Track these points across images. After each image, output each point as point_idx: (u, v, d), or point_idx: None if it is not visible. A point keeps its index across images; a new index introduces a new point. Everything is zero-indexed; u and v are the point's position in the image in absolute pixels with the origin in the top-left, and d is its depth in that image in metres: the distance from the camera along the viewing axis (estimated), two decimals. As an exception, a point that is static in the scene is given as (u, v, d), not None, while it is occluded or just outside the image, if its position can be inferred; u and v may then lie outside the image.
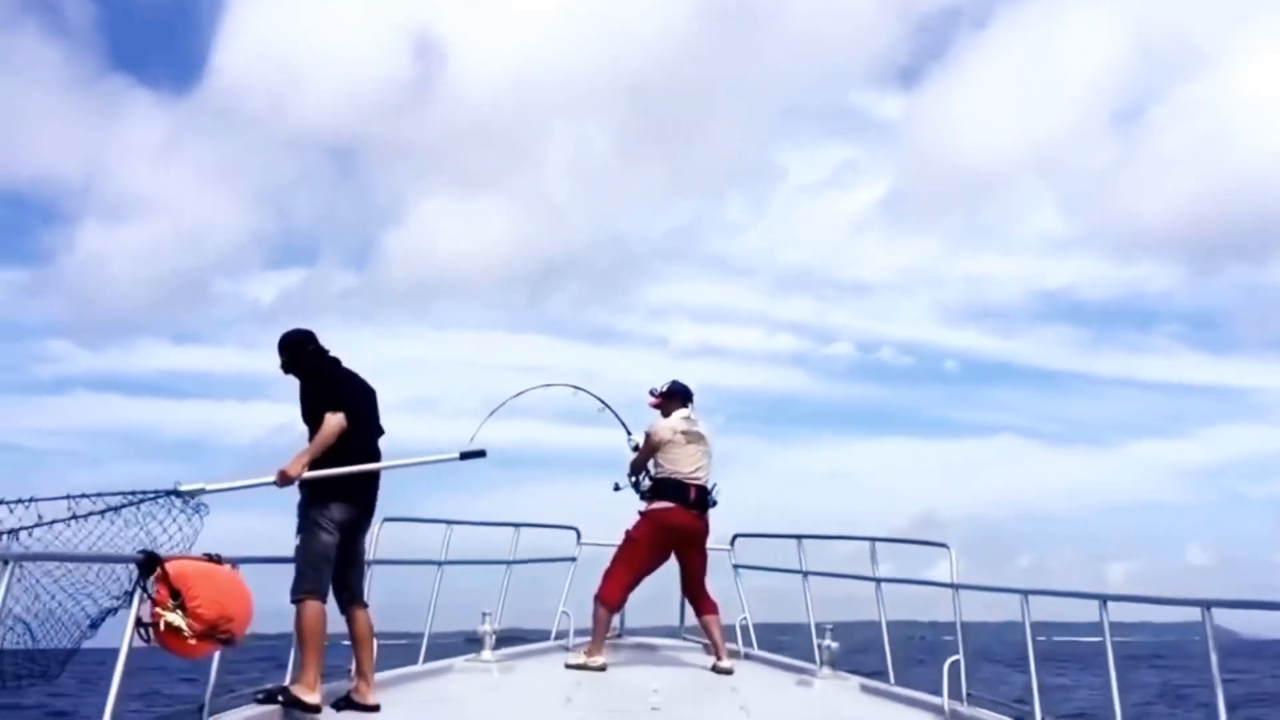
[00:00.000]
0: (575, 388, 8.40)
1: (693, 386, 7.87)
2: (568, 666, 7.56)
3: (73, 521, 4.75)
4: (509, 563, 8.31)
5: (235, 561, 5.16)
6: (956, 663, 6.52)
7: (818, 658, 7.67)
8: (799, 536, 8.56)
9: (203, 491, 5.31)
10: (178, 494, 5.22)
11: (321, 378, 5.76)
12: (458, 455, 6.05)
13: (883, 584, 7.69)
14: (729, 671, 7.62)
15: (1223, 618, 4.60)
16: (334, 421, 5.53)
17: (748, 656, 8.66)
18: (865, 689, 7.34)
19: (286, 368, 5.83)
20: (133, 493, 5.05)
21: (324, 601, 5.54)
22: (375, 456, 5.82)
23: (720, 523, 7.97)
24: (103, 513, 4.88)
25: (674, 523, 7.54)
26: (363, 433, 5.74)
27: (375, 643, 5.82)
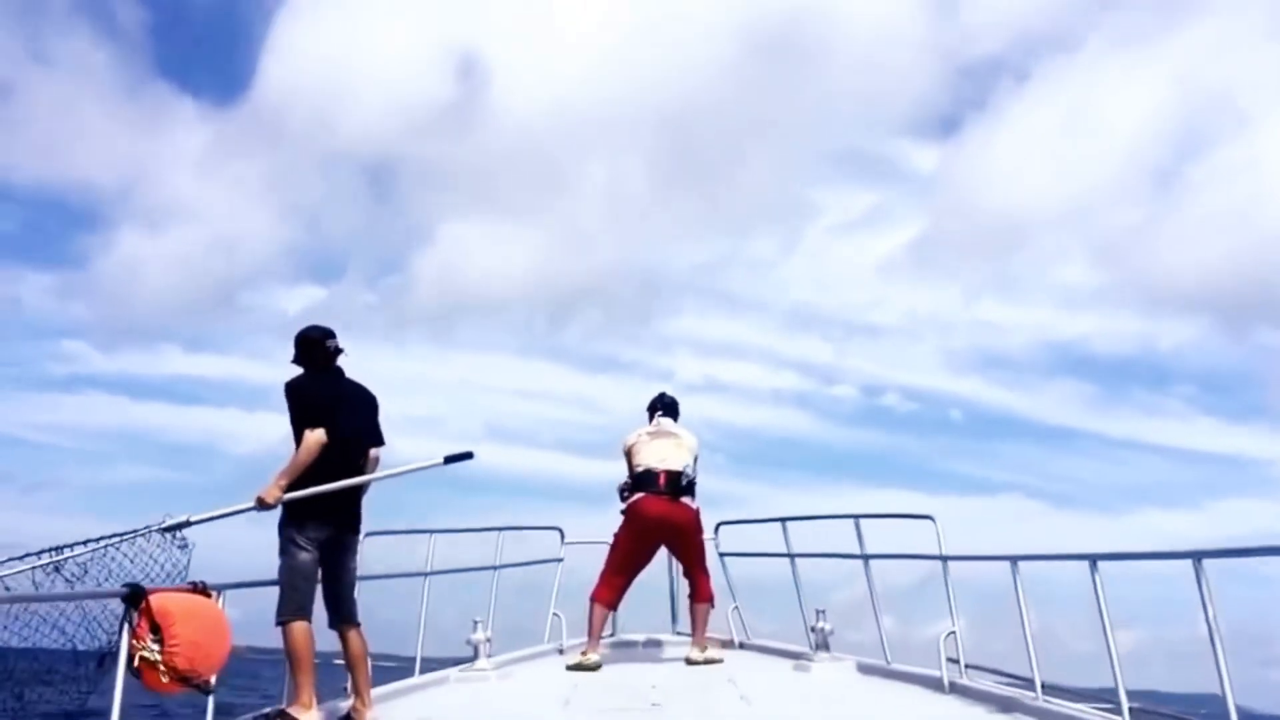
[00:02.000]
0: None
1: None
2: (569, 668, 7.53)
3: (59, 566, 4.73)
4: (495, 568, 8.24)
5: (220, 588, 5.11)
6: (953, 635, 6.54)
7: (811, 641, 7.67)
8: (783, 520, 8.53)
9: (187, 524, 5.25)
10: (163, 530, 5.18)
11: (301, 392, 5.59)
12: (442, 460, 5.89)
13: (871, 560, 7.66)
14: (694, 662, 7.65)
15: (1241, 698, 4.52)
16: (312, 439, 5.40)
17: (742, 645, 8.66)
18: (863, 669, 7.35)
19: (296, 363, 5.72)
20: (118, 535, 5.03)
21: (308, 620, 5.43)
22: (359, 471, 5.64)
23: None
24: (92, 551, 4.87)
25: (645, 510, 7.56)
26: (345, 448, 5.56)
27: (370, 662, 5.71)
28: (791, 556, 8.38)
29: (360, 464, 5.68)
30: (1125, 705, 5.07)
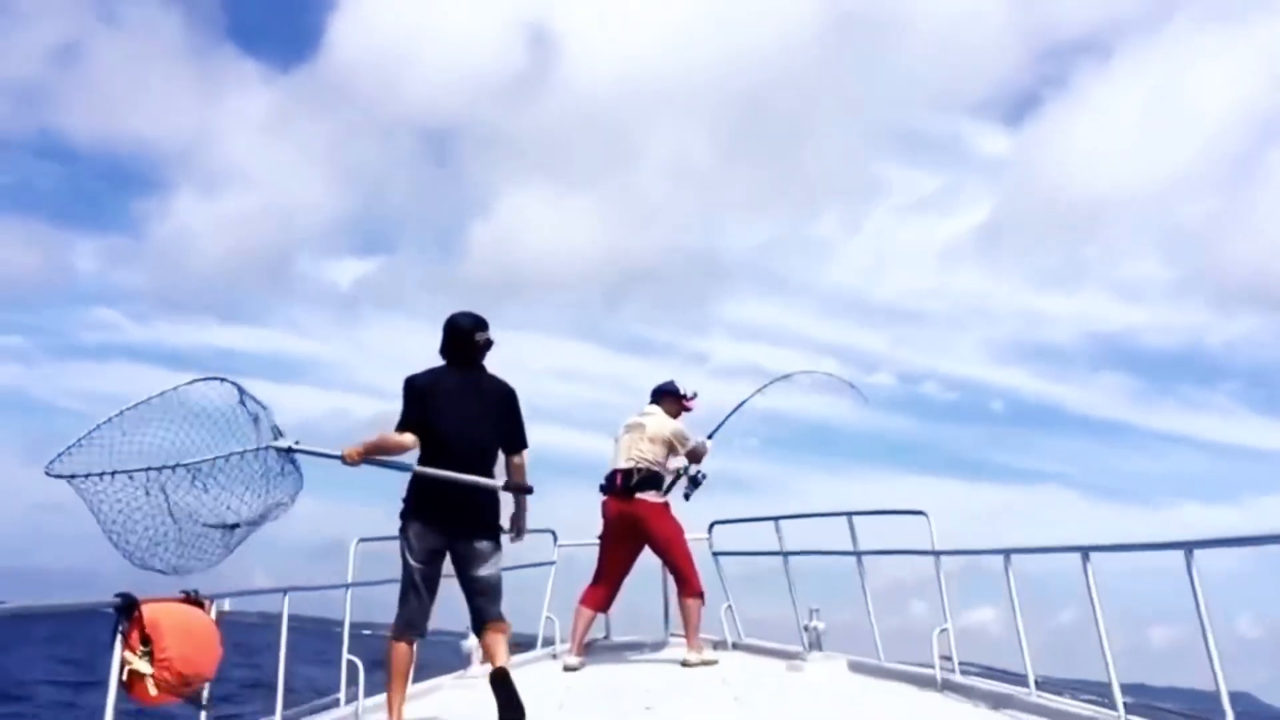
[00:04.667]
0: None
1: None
2: (566, 669, 7.56)
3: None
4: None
5: (214, 597, 5.08)
6: (945, 632, 6.57)
7: (804, 640, 7.68)
8: (776, 518, 8.54)
9: (293, 449, 5.24)
10: (278, 450, 5.20)
11: (406, 391, 5.33)
12: (501, 484, 5.45)
13: (864, 557, 7.68)
14: (690, 664, 7.59)
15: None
16: (393, 437, 5.23)
17: (734, 645, 8.65)
18: (855, 667, 7.36)
19: (440, 353, 5.49)
20: (228, 455, 5.10)
21: (410, 640, 5.32)
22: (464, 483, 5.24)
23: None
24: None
25: (604, 511, 7.70)
26: (450, 455, 5.21)
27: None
28: (785, 555, 8.40)
29: (483, 472, 5.30)
30: (1119, 700, 5.09)
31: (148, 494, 4.94)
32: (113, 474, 4.84)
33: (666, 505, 7.70)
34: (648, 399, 7.96)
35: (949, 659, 6.57)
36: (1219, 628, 4.43)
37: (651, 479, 7.60)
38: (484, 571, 5.27)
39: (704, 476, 7.88)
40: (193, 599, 4.91)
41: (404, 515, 5.32)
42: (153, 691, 4.48)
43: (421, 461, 5.24)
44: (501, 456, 5.41)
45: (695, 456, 7.81)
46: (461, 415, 5.27)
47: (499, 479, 5.36)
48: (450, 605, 5.54)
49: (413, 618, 5.32)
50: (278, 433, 5.24)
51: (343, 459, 5.23)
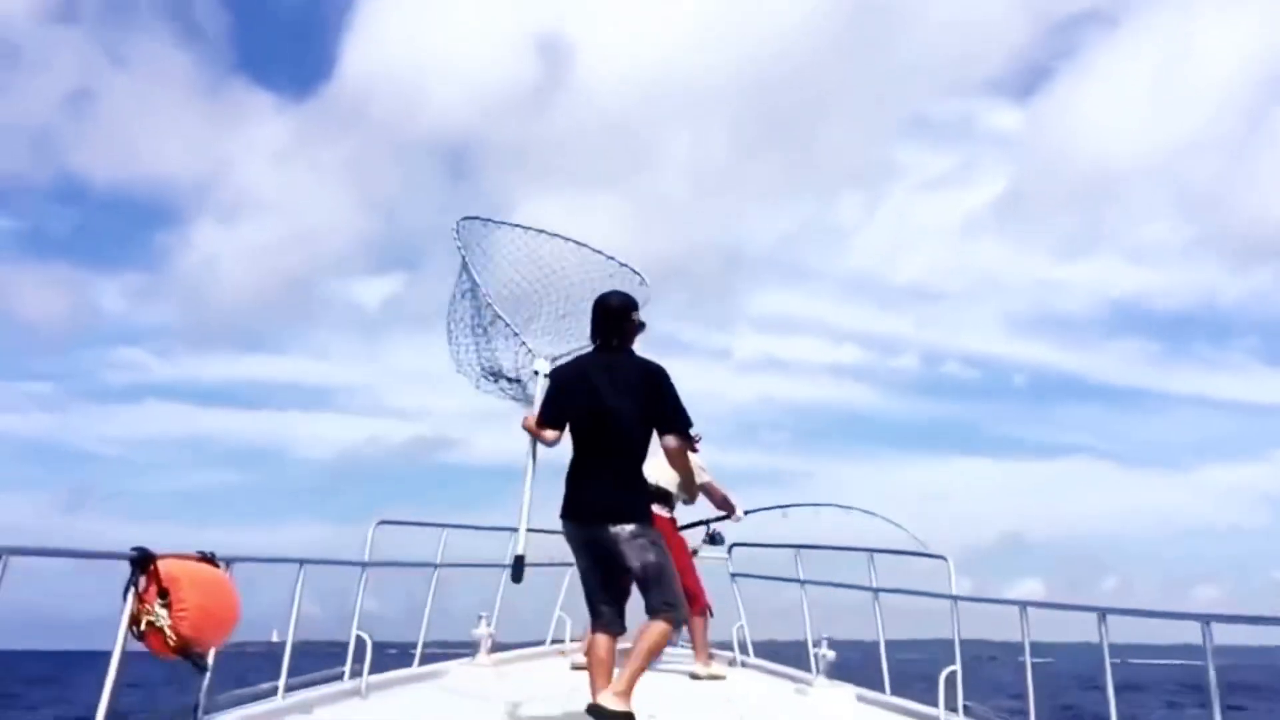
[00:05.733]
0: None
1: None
2: (574, 668, 7.61)
3: None
4: (505, 566, 8.27)
5: (230, 560, 5.14)
6: (953, 674, 6.50)
7: (814, 667, 7.64)
8: (797, 546, 8.54)
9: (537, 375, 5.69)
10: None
11: (549, 384, 5.39)
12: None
13: (881, 594, 7.65)
14: (698, 677, 7.64)
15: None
16: (541, 430, 5.31)
17: (744, 664, 8.65)
18: (861, 699, 7.31)
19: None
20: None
21: (599, 629, 5.17)
22: (616, 470, 5.13)
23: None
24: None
25: None
26: (591, 443, 5.16)
27: (647, 657, 5.08)
28: (803, 583, 8.40)
29: (628, 458, 5.17)
30: None
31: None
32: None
33: (674, 521, 7.72)
34: None
35: (954, 701, 6.50)
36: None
37: (660, 495, 7.58)
38: (632, 563, 5.08)
39: (722, 538, 7.90)
40: (208, 559, 4.99)
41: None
42: (171, 643, 4.50)
43: (573, 451, 5.22)
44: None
45: (693, 492, 7.78)
46: (600, 400, 5.12)
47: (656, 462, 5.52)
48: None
49: (591, 610, 5.26)
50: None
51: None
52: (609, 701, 4.87)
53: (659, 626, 5.06)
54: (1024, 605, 6.09)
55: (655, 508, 7.55)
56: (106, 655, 4.32)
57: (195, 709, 4.97)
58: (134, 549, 4.58)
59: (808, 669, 7.75)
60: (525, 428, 5.36)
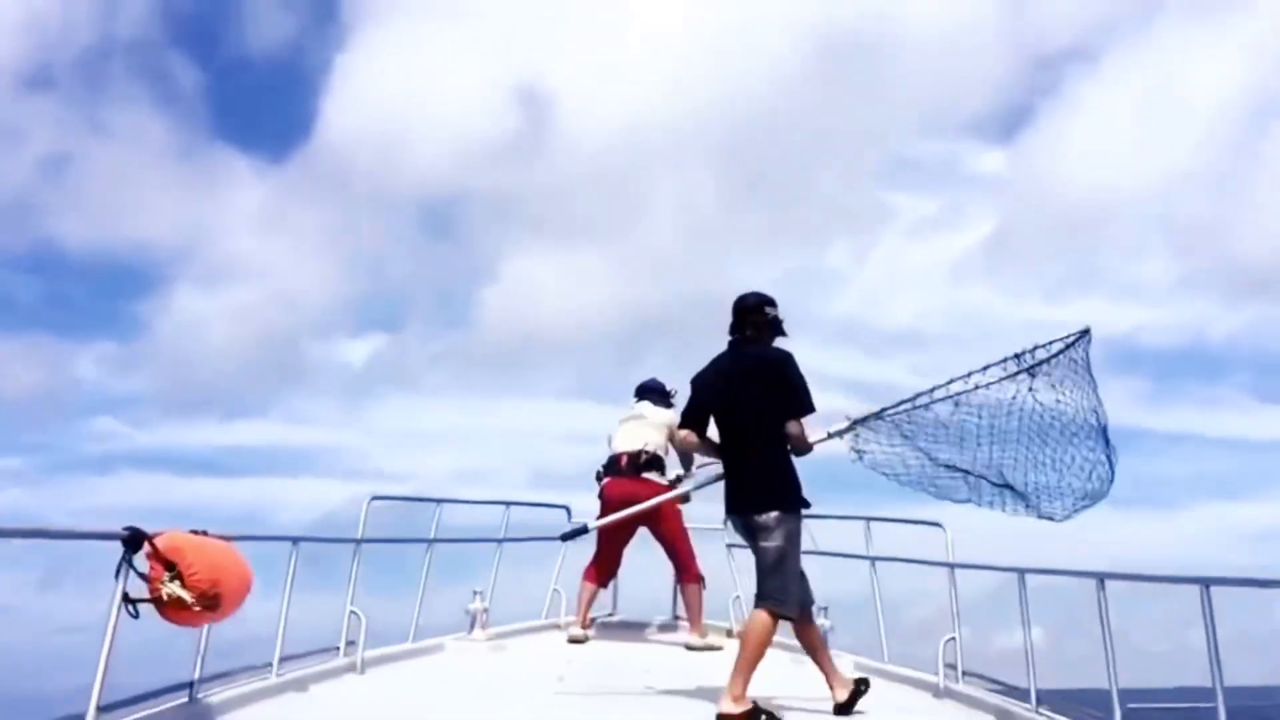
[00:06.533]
0: None
1: None
2: (571, 640, 7.61)
3: None
4: (499, 541, 8.26)
5: (228, 539, 5.07)
6: (952, 640, 6.51)
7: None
8: None
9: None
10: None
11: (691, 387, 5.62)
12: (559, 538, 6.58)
13: (877, 562, 7.67)
14: (694, 648, 7.71)
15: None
16: (682, 434, 5.74)
17: (740, 635, 8.63)
18: (860, 667, 7.31)
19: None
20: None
21: (760, 609, 5.32)
22: (753, 456, 5.34)
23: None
24: None
25: (607, 492, 7.77)
26: (729, 435, 5.42)
27: (759, 650, 5.33)
28: (801, 552, 8.35)
29: (761, 445, 5.34)
30: (1118, 715, 5.04)
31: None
32: None
33: (670, 487, 7.72)
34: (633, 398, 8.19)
35: (953, 668, 6.51)
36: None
37: (656, 462, 7.76)
38: (763, 544, 5.29)
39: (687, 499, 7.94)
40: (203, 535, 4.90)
41: None
42: (196, 609, 4.38)
43: (720, 445, 5.47)
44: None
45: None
46: (729, 392, 5.38)
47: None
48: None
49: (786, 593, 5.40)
50: None
51: None
52: (728, 707, 5.13)
53: (761, 619, 5.26)
54: (1022, 572, 6.09)
55: (654, 476, 7.62)
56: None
57: (190, 685, 4.92)
58: (126, 528, 4.49)
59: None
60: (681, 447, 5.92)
